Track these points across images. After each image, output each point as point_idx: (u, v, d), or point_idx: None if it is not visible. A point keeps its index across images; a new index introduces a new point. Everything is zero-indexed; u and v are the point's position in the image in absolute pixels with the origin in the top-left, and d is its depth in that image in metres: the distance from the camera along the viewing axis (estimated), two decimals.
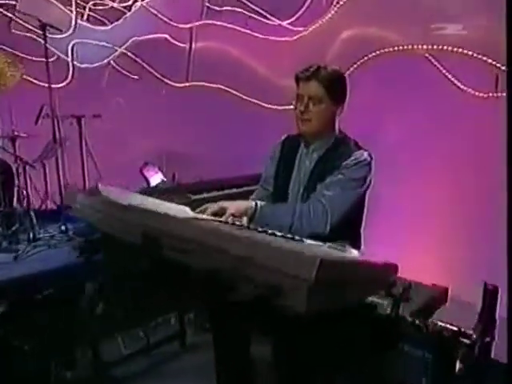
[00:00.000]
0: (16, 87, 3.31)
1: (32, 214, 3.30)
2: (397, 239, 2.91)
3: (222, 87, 3.49)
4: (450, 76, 2.87)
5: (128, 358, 2.35)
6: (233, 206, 1.52)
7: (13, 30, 3.99)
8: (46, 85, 3.39)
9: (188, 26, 3.61)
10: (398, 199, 2.99)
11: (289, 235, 1.17)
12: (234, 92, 3.41)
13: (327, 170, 1.64)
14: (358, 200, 1.63)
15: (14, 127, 3.29)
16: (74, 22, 3.81)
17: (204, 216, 1.34)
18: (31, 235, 3.08)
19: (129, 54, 3.95)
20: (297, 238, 1.14)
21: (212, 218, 1.32)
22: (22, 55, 3.79)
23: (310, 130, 1.69)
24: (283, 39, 3.26)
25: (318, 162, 1.70)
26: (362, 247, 1.71)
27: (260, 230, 1.21)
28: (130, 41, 3.98)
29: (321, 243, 1.12)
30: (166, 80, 3.78)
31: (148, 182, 3.96)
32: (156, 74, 3.79)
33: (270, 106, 3.32)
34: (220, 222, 1.30)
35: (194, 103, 3.68)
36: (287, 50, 3.24)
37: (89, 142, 3.60)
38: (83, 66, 4.04)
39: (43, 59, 3.85)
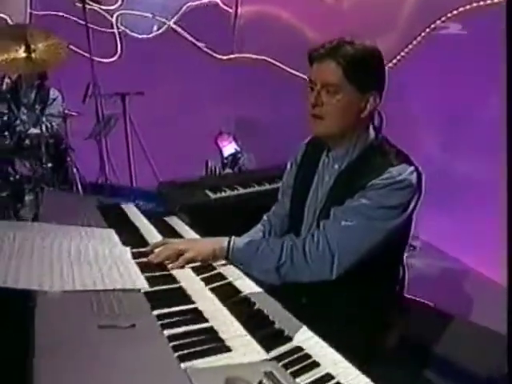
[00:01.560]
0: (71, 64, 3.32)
1: (80, 191, 3.40)
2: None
3: (270, 60, 3.01)
4: None
5: None
6: (194, 249, 1.18)
7: (77, 4, 3.97)
8: (104, 60, 3.36)
9: None
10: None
11: None
12: (282, 66, 2.92)
13: (349, 189, 1.19)
14: (391, 234, 1.15)
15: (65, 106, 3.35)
16: None
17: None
18: None
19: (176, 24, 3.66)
20: None
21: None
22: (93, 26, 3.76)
23: (324, 132, 1.22)
24: None
25: (338, 177, 1.25)
26: None
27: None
28: (184, 7, 3.68)
29: None
30: (210, 51, 3.42)
31: (221, 152, 3.81)
32: (198, 44, 3.45)
33: None
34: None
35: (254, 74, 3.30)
36: (349, 13, 2.61)
37: (134, 120, 3.50)
38: (141, 36, 3.89)
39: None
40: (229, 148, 3.68)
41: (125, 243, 1.27)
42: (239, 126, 3.85)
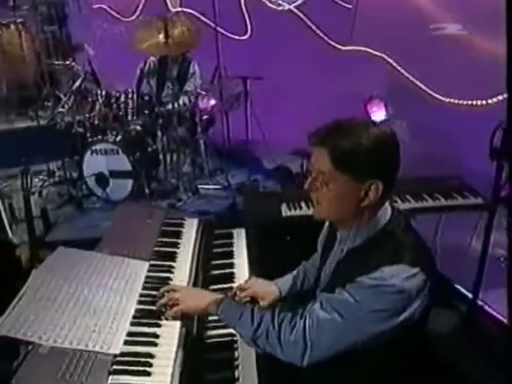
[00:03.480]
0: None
1: (205, 163, 3.83)
2: None
3: (388, 59, 2.61)
4: None
5: None
6: (189, 302, 1.32)
7: None
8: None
9: None
10: None
11: None
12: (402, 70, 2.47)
13: (341, 277, 1.15)
14: (377, 338, 1.06)
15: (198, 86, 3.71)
16: None
17: None
18: (193, 187, 3.58)
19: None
20: None
21: None
22: None
23: (321, 217, 1.24)
24: None
25: (340, 261, 1.22)
26: None
27: None
28: None
29: None
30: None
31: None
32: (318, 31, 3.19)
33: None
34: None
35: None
36: None
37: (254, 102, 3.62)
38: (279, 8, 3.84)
39: None
40: (378, 114, 3.48)
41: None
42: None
